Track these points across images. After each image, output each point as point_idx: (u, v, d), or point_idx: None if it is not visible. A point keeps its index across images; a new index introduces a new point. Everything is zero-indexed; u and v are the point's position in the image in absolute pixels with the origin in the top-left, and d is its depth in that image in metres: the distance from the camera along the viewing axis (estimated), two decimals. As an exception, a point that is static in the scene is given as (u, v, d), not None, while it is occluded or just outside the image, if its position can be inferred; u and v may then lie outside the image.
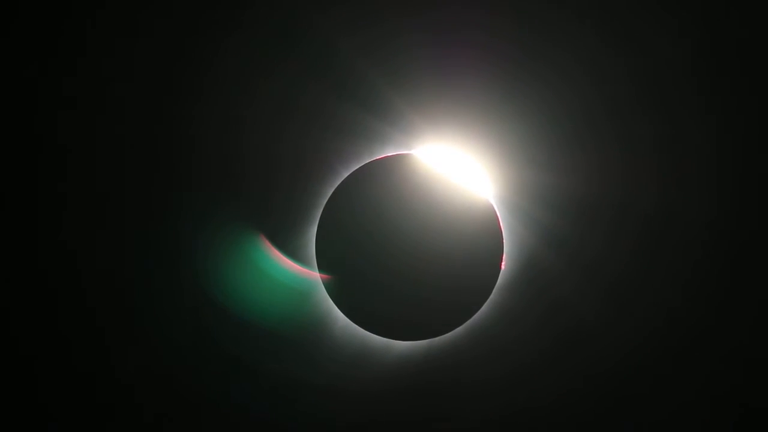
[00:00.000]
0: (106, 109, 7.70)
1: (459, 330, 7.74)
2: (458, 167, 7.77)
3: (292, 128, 7.73)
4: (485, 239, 7.73)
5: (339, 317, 7.81)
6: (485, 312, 7.74)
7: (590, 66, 7.60)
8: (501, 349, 7.69)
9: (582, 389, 7.58)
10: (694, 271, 7.56)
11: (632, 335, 7.58)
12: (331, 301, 7.81)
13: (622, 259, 7.61)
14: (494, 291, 7.74)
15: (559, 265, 7.65)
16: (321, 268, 7.82)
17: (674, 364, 7.55)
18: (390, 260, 7.68)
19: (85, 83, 7.68)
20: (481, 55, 7.64)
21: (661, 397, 7.54)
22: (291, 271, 7.82)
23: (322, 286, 7.82)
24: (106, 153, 7.71)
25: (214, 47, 7.66)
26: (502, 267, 7.76)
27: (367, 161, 7.79)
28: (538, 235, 7.69)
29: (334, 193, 7.79)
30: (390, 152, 7.80)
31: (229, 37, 7.65)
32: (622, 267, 7.61)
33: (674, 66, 7.56)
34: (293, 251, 7.83)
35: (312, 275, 7.83)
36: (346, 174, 7.80)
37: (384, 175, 7.76)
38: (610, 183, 7.59)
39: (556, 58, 7.60)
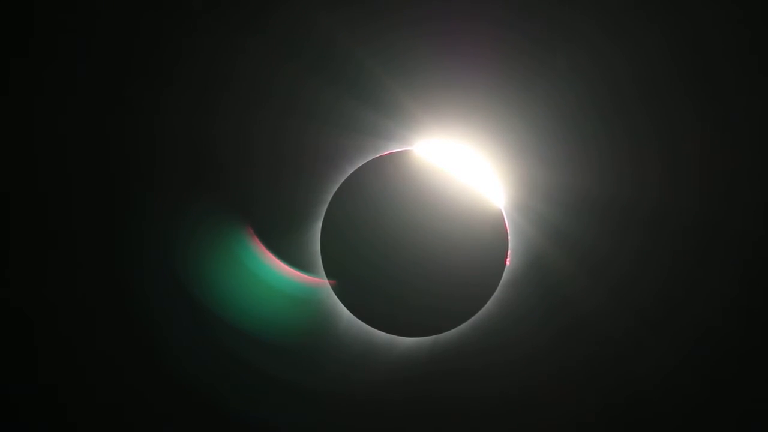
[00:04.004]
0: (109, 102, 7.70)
1: (464, 326, 7.72)
2: (463, 163, 7.74)
3: (294, 125, 7.72)
4: (490, 235, 7.71)
5: (343, 314, 7.80)
6: (490, 308, 7.71)
7: (600, 58, 7.45)
8: (505, 346, 7.67)
9: (581, 383, 7.55)
10: (696, 274, 7.47)
11: (640, 332, 7.53)
12: (335, 299, 7.80)
13: (628, 258, 7.55)
14: (499, 287, 7.72)
15: (565, 262, 7.62)
16: (325, 265, 7.81)
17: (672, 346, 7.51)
18: (394, 257, 7.66)
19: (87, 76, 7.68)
20: (488, 47, 7.56)
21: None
22: (291, 278, 7.81)
23: (325, 286, 7.82)
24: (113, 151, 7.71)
25: (217, 46, 7.64)
26: (507, 263, 7.73)
27: (372, 157, 7.78)
28: (544, 231, 7.66)
29: (338, 189, 7.78)
30: (394, 148, 7.79)
31: (231, 36, 7.63)
32: (628, 265, 7.55)
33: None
34: (296, 249, 7.81)
35: (313, 279, 7.82)
36: (350, 170, 7.78)
37: (388, 171, 7.74)
38: (621, 181, 7.48)
39: (566, 49, 7.48)
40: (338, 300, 7.81)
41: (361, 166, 7.78)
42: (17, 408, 7.66)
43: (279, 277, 7.80)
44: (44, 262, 7.66)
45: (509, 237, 7.71)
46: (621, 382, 7.47)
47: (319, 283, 7.83)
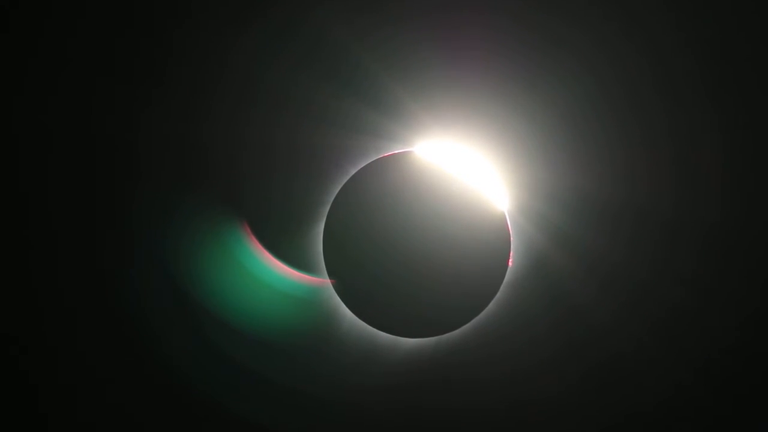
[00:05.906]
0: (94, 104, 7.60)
1: (466, 327, 7.74)
2: (465, 164, 7.72)
3: (296, 126, 7.66)
4: (492, 236, 7.70)
5: (346, 315, 7.80)
6: (492, 309, 7.73)
7: (612, 53, 7.28)
8: (508, 347, 7.69)
9: (583, 386, 7.60)
10: (701, 273, 7.47)
11: (644, 337, 7.54)
12: (337, 299, 7.80)
13: (642, 265, 7.53)
14: (501, 288, 7.73)
15: (567, 263, 7.63)
16: (327, 265, 7.80)
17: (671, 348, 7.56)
18: (396, 257, 7.65)
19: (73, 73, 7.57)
20: (492, 41, 7.46)
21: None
22: (294, 279, 7.79)
23: (327, 287, 7.81)
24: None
25: (217, 43, 7.54)
26: (510, 264, 7.74)
27: (374, 158, 7.74)
28: (546, 231, 7.66)
29: (340, 190, 7.74)
30: (397, 149, 7.75)
31: (233, 34, 7.53)
32: (634, 269, 7.56)
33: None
34: (298, 250, 7.79)
35: (315, 280, 7.81)
36: (353, 171, 7.74)
37: (390, 172, 7.71)
38: (634, 185, 7.40)
39: (576, 43, 7.34)
40: (340, 301, 7.82)
41: (363, 167, 7.74)
42: (5, 412, 7.66)
43: (281, 279, 7.78)
44: (30, 261, 7.60)
45: (512, 238, 7.71)
46: (629, 391, 7.54)
47: (322, 283, 7.82)
